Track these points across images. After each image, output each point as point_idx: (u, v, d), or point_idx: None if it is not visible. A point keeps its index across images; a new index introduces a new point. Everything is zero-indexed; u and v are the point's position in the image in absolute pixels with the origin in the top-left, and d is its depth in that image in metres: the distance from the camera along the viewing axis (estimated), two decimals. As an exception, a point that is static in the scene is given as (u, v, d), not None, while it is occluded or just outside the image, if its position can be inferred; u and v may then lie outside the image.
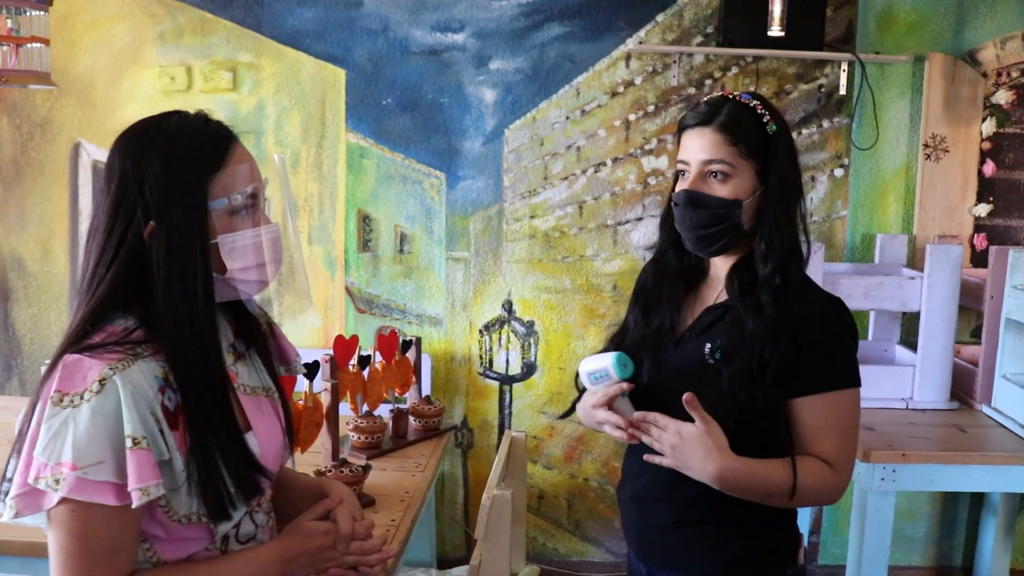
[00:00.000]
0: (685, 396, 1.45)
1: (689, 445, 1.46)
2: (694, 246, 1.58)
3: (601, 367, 1.54)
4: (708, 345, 1.54)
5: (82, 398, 1.14)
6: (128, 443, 1.14)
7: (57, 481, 1.12)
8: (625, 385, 1.53)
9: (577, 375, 1.61)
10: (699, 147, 1.52)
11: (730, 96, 1.55)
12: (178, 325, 1.21)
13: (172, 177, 1.22)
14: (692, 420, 1.47)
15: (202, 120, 1.29)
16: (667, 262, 1.67)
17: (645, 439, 1.50)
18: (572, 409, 1.74)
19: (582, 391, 1.67)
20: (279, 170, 1.35)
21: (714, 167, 1.51)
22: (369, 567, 1.41)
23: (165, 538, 1.23)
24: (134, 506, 1.14)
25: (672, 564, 1.62)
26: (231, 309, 1.40)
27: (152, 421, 1.17)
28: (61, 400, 1.14)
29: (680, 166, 1.57)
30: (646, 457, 1.52)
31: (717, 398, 1.50)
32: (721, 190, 1.51)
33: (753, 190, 1.52)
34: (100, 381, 1.14)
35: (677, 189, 1.57)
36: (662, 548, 1.63)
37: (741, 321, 1.51)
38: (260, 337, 1.44)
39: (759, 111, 1.53)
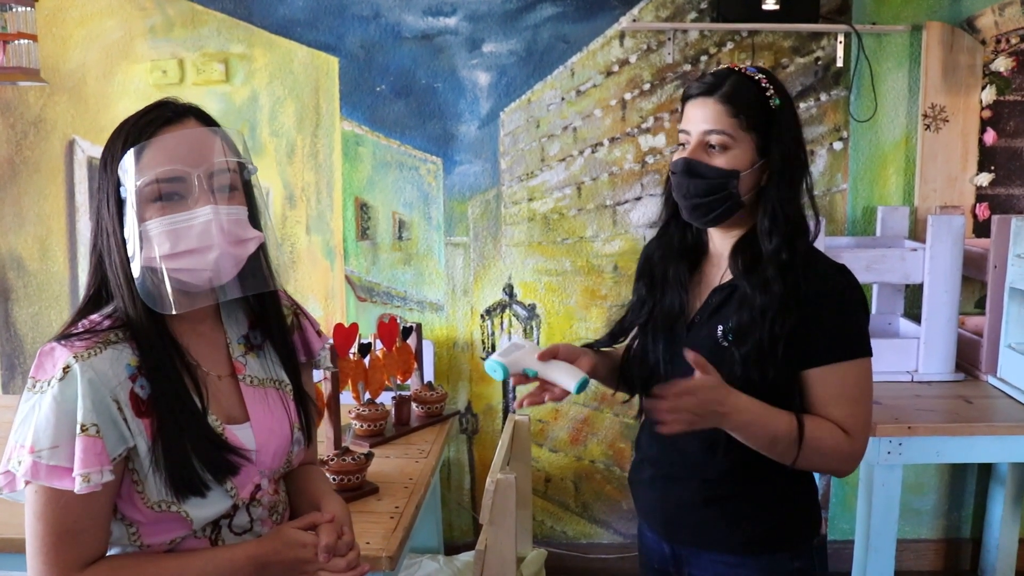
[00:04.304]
0: (688, 354, 1.43)
1: (711, 397, 1.42)
2: (690, 215, 1.58)
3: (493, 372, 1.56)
4: (720, 327, 1.54)
5: (48, 385, 1.18)
6: (77, 429, 1.16)
7: (19, 463, 1.17)
8: (515, 379, 1.57)
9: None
10: (701, 117, 1.53)
11: (736, 68, 1.56)
12: (126, 309, 1.24)
13: (103, 166, 1.25)
14: None
15: (152, 107, 1.27)
16: (670, 237, 1.67)
17: (669, 419, 1.43)
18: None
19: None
20: (220, 144, 1.25)
21: (713, 138, 1.51)
22: None
23: (145, 522, 1.24)
24: (76, 492, 1.15)
25: (700, 541, 1.62)
26: (248, 300, 1.39)
27: (114, 408, 1.19)
28: (34, 386, 1.20)
29: (681, 136, 1.57)
30: (662, 428, 1.45)
31: (732, 379, 1.49)
32: (719, 160, 1.52)
33: (752, 163, 1.52)
34: (64, 369, 1.18)
35: (675, 158, 1.58)
36: (690, 526, 1.63)
37: (749, 299, 1.51)
38: (281, 330, 1.43)
39: (763, 84, 1.53)
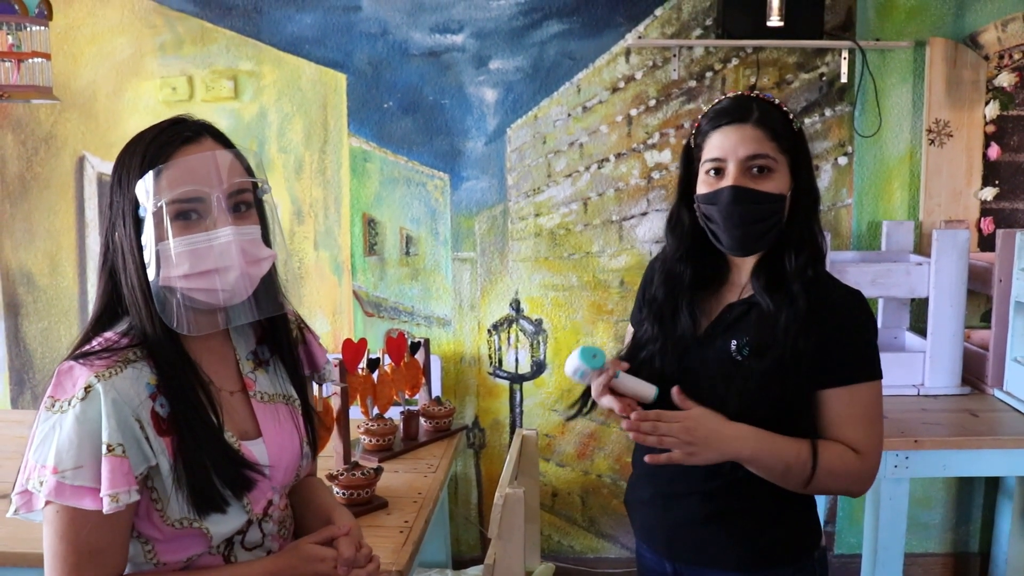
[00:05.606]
0: (673, 390, 1.48)
1: (705, 425, 1.46)
2: (738, 245, 1.53)
3: (575, 367, 1.52)
4: (734, 342, 1.54)
5: (69, 404, 1.18)
6: (103, 449, 1.16)
7: (41, 483, 1.16)
8: (605, 376, 1.50)
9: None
10: (739, 143, 1.49)
11: (752, 95, 1.55)
12: (143, 327, 1.24)
13: (117, 183, 1.25)
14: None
15: (165, 124, 1.28)
16: (679, 274, 1.62)
17: (650, 440, 1.46)
18: (579, 410, 1.67)
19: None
20: (218, 164, 1.24)
21: (758, 162, 1.49)
22: None
23: (163, 540, 1.25)
24: (105, 512, 1.15)
25: (702, 559, 1.61)
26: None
27: (136, 428, 1.19)
28: (53, 406, 1.19)
29: (714, 164, 1.52)
30: (648, 458, 1.50)
31: (747, 394, 1.50)
32: (766, 185, 1.50)
33: (789, 186, 1.53)
34: (86, 388, 1.18)
35: (713, 188, 1.52)
36: (691, 544, 1.62)
37: (771, 316, 1.51)
38: (287, 344, 1.44)
39: (784, 108, 1.55)
